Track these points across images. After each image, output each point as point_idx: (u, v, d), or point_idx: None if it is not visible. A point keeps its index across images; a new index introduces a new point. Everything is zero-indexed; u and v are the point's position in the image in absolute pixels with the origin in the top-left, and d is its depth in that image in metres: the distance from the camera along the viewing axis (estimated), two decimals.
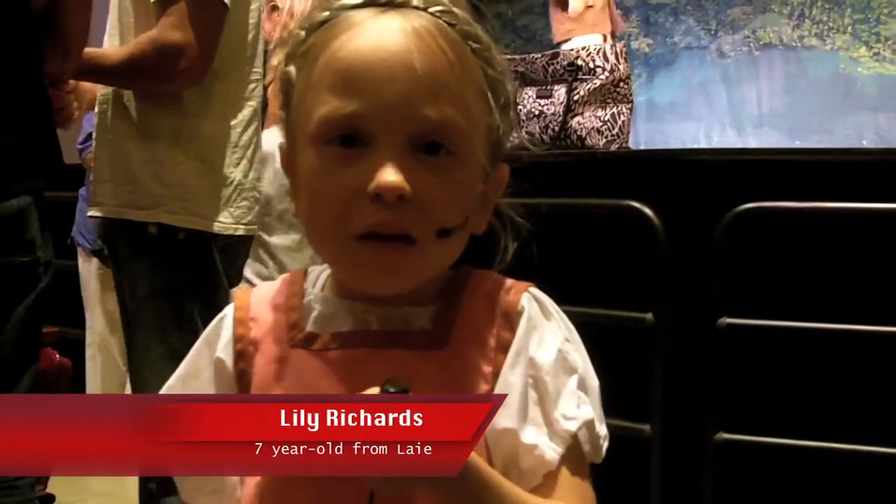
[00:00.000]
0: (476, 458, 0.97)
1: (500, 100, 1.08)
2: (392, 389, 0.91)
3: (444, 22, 1.03)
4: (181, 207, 2.44)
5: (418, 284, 1.06)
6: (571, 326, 1.11)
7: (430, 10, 1.03)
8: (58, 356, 3.31)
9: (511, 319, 1.08)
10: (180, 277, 2.43)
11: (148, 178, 2.45)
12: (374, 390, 0.92)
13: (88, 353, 5.24)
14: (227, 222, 2.50)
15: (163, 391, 1.15)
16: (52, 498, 3.38)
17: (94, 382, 5.26)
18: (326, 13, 1.06)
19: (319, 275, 1.15)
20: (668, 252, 3.13)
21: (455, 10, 1.05)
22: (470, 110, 1.03)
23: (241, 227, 2.53)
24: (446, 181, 1.02)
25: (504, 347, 1.06)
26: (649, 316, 3.15)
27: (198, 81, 2.43)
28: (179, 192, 2.45)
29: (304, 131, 1.05)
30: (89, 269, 5.21)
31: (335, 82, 1.01)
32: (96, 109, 2.59)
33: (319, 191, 1.03)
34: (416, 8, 1.03)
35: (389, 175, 0.98)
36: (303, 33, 1.08)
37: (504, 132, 1.10)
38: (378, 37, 1.01)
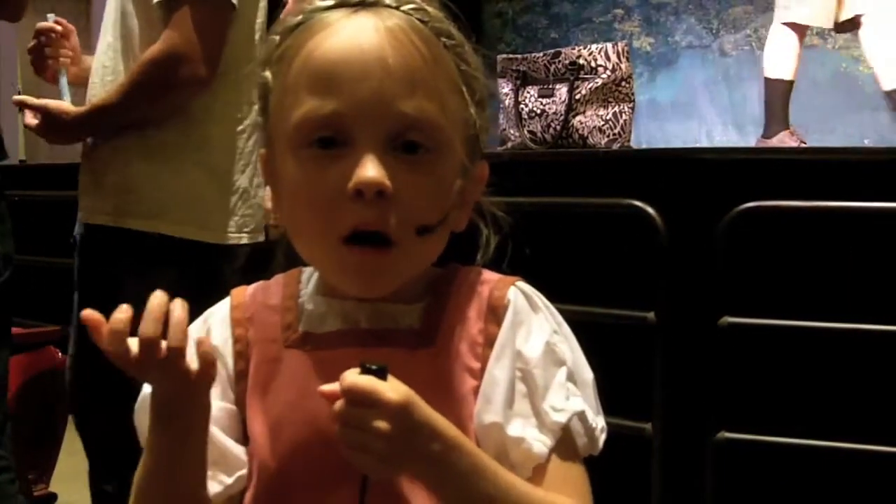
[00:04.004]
0: (467, 442, 0.99)
1: (476, 95, 1.09)
2: (373, 367, 0.93)
3: (416, 19, 1.05)
4: (184, 217, 2.42)
5: (401, 284, 1.07)
6: (561, 319, 1.12)
7: (402, 8, 1.05)
8: (60, 354, 3.32)
9: (498, 314, 1.09)
10: (183, 281, 2.42)
11: (151, 188, 2.43)
12: (354, 371, 0.93)
13: None
14: (231, 232, 2.47)
15: None
16: (54, 496, 3.39)
17: None
18: (300, 17, 1.07)
19: (312, 274, 1.16)
20: (669, 251, 3.13)
21: (427, 7, 1.06)
22: (445, 105, 1.04)
23: (245, 235, 2.51)
24: (425, 179, 1.03)
25: (491, 342, 1.07)
26: (651, 315, 3.15)
27: (206, 85, 2.40)
28: (183, 202, 2.43)
29: (282, 135, 1.06)
30: None
31: (311, 83, 1.02)
32: None
33: (301, 194, 1.04)
34: (388, 7, 1.05)
35: (369, 171, 0.99)
36: (277, 38, 1.09)
37: (481, 128, 1.11)
38: (351, 36, 1.02)
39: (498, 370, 1.05)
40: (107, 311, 2.56)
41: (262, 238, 2.54)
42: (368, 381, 0.92)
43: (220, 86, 2.45)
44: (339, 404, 0.93)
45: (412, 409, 0.93)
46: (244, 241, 2.50)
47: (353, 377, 0.93)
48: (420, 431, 0.94)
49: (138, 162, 2.45)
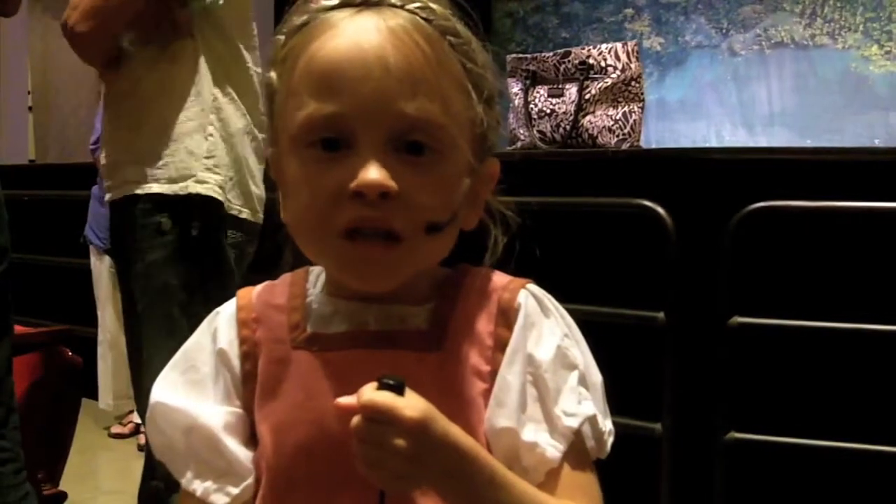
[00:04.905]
0: (485, 454, 0.98)
1: (483, 93, 1.08)
2: (391, 382, 0.92)
3: (421, 18, 1.03)
4: (210, 177, 2.45)
5: (407, 280, 1.06)
6: (571, 322, 1.11)
7: (407, 7, 1.03)
8: (69, 353, 3.32)
9: (508, 317, 1.07)
10: (192, 272, 2.43)
11: (178, 150, 2.45)
12: (372, 386, 0.92)
13: (100, 350, 5.27)
14: (234, 202, 2.50)
15: (162, 385, 1.13)
16: (64, 495, 3.39)
17: (106, 380, 5.29)
18: (305, 17, 1.06)
19: (319, 274, 1.15)
20: (679, 251, 3.13)
21: (433, 5, 1.05)
22: (449, 104, 1.03)
23: (247, 210, 2.54)
24: (431, 179, 1.02)
25: (502, 346, 1.06)
26: (661, 315, 3.15)
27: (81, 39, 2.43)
28: (209, 164, 2.45)
29: (287, 135, 1.05)
30: (101, 268, 5.23)
31: (314, 85, 1.02)
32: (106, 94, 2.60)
33: (304, 193, 1.03)
34: (393, 6, 1.03)
35: (372, 173, 0.98)
36: (282, 38, 1.08)
37: (489, 126, 1.09)
38: (354, 36, 1.01)
39: (511, 375, 1.04)
40: (127, 296, 2.56)
41: (261, 219, 2.56)
42: (386, 398, 0.91)
43: (233, 68, 2.49)
44: (356, 420, 0.92)
45: (430, 425, 0.92)
46: (244, 215, 2.53)
47: (371, 393, 0.91)
48: (438, 446, 0.93)
49: (158, 126, 2.47)
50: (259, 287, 1.17)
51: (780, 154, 3.85)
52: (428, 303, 1.09)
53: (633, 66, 3.59)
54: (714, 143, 7.59)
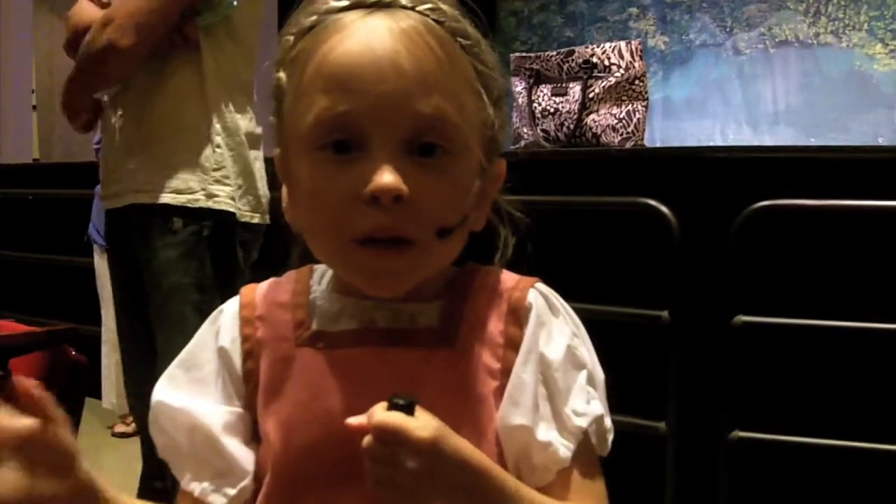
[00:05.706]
0: (496, 468, 0.98)
1: (493, 94, 1.08)
2: (401, 402, 0.92)
3: (432, 20, 1.03)
4: (220, 190, 2.46)
5: (419, 283, 1.06)
6: (578, 321, 1.11)
7: (418, 8, 1.03)
8: (73, 352, 3.32)
9: (519, 315, 1.08)
10: (204, 272, 2.44)
11: (186, 163, 2.46)
12: (382, 406, 0.92)
13: (104, 349, 5.26)
14: (244, 209, 2.52)
15: (165, 383, 1.14)
16: None
17: (109, 379, 5.29)
18: (314, 17, 1.06)
19: (325, 272, 1.15)
20: (683, 250, 3.13)
21: (443, 6, 1.05)
22: (462, 106, 1.03)
23: (258, 215, 2.56)
24: (443, 181, 1.02)
25: (512, 344, 1.06)
26: (665, 314, 3.15)
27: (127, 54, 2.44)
28: (218, 177, 2.47)
29: (297, 137, 1.04)
30: (104, 267, 5.22)
31: (325, 86, 1.01)
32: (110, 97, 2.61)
33: (316, 197, 1.03)
34: (404, 7, 1.03)
35: (386, 177, 0.97)
36: (291, 39, 1.07)
37: (498, 127, 1.09)
38: (366, 38, 1.01)
39: (526, 374, 1.04)
40: (133, 294, 2.57)
41: (268, 220, 2.57)
42: (397, 419, 0.91)
43: (247, 74, 2.49)
44: (367, 440, 0.92)
45: (441, 444, 0.93)
46: (255, 220, 2.54)
47: (382, 414, 0.91)
48: (449, 465, 0.93)
49: (175, 138, 2.48)
50: (264, 284, 1.17)
51: (784, 153, 3.84)
52: (437, 300, 1.09)
53: (636, 64, 3.59)
54: (719, 142, 7.58)
